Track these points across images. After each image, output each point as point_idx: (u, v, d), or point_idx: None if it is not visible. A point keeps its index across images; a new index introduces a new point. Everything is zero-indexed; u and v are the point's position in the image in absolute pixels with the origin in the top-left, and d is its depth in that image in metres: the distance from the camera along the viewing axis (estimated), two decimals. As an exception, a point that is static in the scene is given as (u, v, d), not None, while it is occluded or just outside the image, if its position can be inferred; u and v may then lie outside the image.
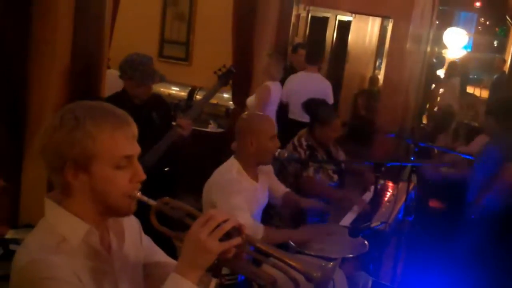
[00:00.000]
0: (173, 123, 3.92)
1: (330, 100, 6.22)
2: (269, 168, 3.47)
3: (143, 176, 1.59)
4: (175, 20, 7.75)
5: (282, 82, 6.48)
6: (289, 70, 6.70)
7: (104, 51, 3.90)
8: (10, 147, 3.60)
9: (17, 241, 2.94)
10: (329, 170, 4.24)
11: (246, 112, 3.44)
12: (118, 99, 3.72)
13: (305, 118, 4.70)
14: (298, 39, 7.82)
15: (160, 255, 1.88)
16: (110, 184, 1.54)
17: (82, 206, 1.56)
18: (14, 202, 3.61)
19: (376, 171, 3.43)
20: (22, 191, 3.65)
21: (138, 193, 1.58)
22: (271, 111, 5.95)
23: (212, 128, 6.63)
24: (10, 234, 2.98)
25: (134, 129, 1.59)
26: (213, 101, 7.12)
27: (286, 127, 4.86)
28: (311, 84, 6.23)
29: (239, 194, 2.96)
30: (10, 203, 3.57)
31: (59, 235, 1.54)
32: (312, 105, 4.40)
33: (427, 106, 10.25)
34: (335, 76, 9.45)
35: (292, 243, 3.17)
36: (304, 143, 4.21)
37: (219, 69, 4.21)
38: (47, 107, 3.61)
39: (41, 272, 1.43)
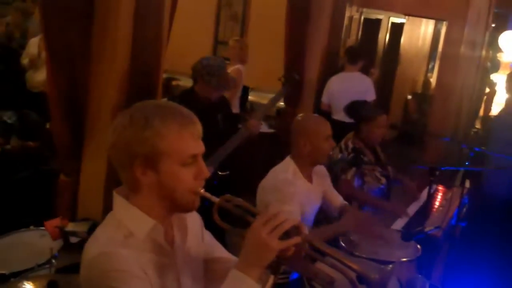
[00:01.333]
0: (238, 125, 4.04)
1: (372, 96, 6.18)
2: (325, 172, 3.46)
3: (207, 174, 1.64)
4: (229, 21, 7.83)
5: None
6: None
7: (162, 53, 3.99)
8: (71, 144, 3.72)
9: (76, 234, 3.03)
10: (376, 172, 4.21)
11: (301, 114, 3.45)
12: (187, 98, 3.82)
13: (349, 119, 4.70)
14: (351, 42, 7.79)
15: (221, 251, 1.92)
16: (177, 180, 1.59)
17: (148, 201, 1.61)
18: (73, 197, 3.74)
19: (431, 175, 3.40)
20: (80, 186, 3.78)
21: (202, 190, 1.63)
22: (238, 92, 6.38)
23: (263, 128, 6.66)
24: (69, 227, 3.07)
25: (199, 128, 1.64)
26: (264, 101, 7.20)
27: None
28: (351, 83, 6.21)
29: (292, 199, 2.97)
30: (70, 197, 3.70)
31: (126, 229, 1.60)
32: (353, 108, 4.39)
33: (481, 110, 10.03)
34: (387, 78, 9.36)
35: (342, 243, 3.18)
36: (350, 145, 4.19)
37: (283, 76, 4.28)
38: (106, 107, 3.72)
39: (110, 265, 1.49)
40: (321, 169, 3.40)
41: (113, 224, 1.63)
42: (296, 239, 1.54)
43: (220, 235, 1.98)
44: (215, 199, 1.65)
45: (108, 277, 1.48)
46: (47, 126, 4.84)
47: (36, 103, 5.73)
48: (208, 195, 1.63)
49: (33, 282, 2.55)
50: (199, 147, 1.63)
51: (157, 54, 3.96)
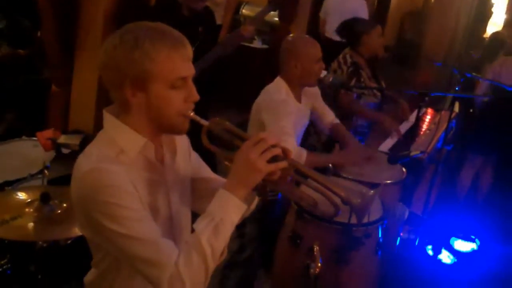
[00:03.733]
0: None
1: (365, 15, 6.10)
2: (316, 91, 3.48)
3: (197, 97, 1.64)
4: None
5: None
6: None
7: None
8: (62, 54, 3.70)
9: (68, 146, 3.06)
10: (373, 88, 4.22)
11: (291, 35, 3.41)
12: (167, 7, 3.73)
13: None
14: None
15: (207, 171, 1.97)
16: (166, 103, 1.60)
17: (139, 121, 1.63)
18: (65, 108, 3.76)
19: (420, 100, 3.43)
20: (72, 98, 3.78)
21: (192, 113, 1.64)
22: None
23: (256, 44, 6.61)
24: (61, 139, 3.09)
25: (189, 51, 1.63)
26: (258, 16, 7.07)
27: (322, 46, 4.82)
28: (348, 1, 6.12)
29: (288, 117, 3.01)
30: (61, 108, 3.71)
31: (118, 146, 1.62)
32: (345, 27, 4.35)
33: (478, 32, 9.90)
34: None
35: (330, 164, 3.25)
36: (348, 60, 4.17)
37: None
38: (99, 15, 3.67)
39: (101, 180, 1.52)
40: (310, 89, 3.41)
41: (105, 141, 1.65)
42: (283, 164, 1.58)
43: (211, 160, 2.02)
44: (205, 122, 1.66)
45: (100, 191, 1.52)
46: (39, 34, 4.77)
47: (27, 8, 5.60)
48: (197, 118, 1.64)
49: (26, 193, 2.61)
50: (189, 70, 1.63)
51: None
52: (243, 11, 7.29)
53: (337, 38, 4.85)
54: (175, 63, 1.58)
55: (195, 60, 3.47)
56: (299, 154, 2.92)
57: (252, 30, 3.89)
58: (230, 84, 5.69)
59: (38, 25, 4.52)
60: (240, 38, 3.90)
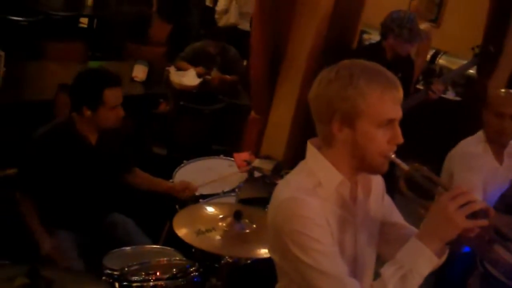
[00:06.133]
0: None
1: None
2: None
3: (401, 140, 1.65)
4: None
5: None
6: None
7: (362, 5, 4.06)
8: (265, 84, 3.92)
9: (261, 170, 3.23)
10: None
11: (503, 90, 3.24)
12: (373, 51, 3.82)
13: None
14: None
15: (398, 217, 1.94)
16: (371, 141, 1.62)
17: (340, 157, 1.67)
18: (260, 134, 3.97)
19: None
20: (268, 125, 3.98)
21: (393, 155, 1.64)
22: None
23: (449, 95, 6.43)
24: (256, 163, 3.27)
25: (401, 94, 1.65)
26: (454, 67, 6.88)
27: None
28: None
29: (479, 172, 2.88)
30: (257, 134, 3.93)
31: (316, 179, 1.68)
32: None
33: None
34: None
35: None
36: None
37: (477, 46, 4.05)
38: (302, 52, 3.85)
39: (297, 210, 1.59)
40: None
41: (304, 172, 1.72)
42: (483, 222, 1.51)
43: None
44: (405, 167, 1.65)
45: (294, 220, 1.58)
46: (245, 63, 5.15)
47: (237, 38, 6.03)
48: (398, 161, 1.64)
49: (220, 208, 2.78)
50: (397, 113, 1.64)
51: (358, 4, 4.05)
52: (440, 61, 7.14)
53: None
54: (386, 104, 1.60)
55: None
56: None
57: (441, 91, 3.83)
58: (414, 131, 5.58)
59: (245, 55, 4.87)
60: (426, 99, 3.87)
